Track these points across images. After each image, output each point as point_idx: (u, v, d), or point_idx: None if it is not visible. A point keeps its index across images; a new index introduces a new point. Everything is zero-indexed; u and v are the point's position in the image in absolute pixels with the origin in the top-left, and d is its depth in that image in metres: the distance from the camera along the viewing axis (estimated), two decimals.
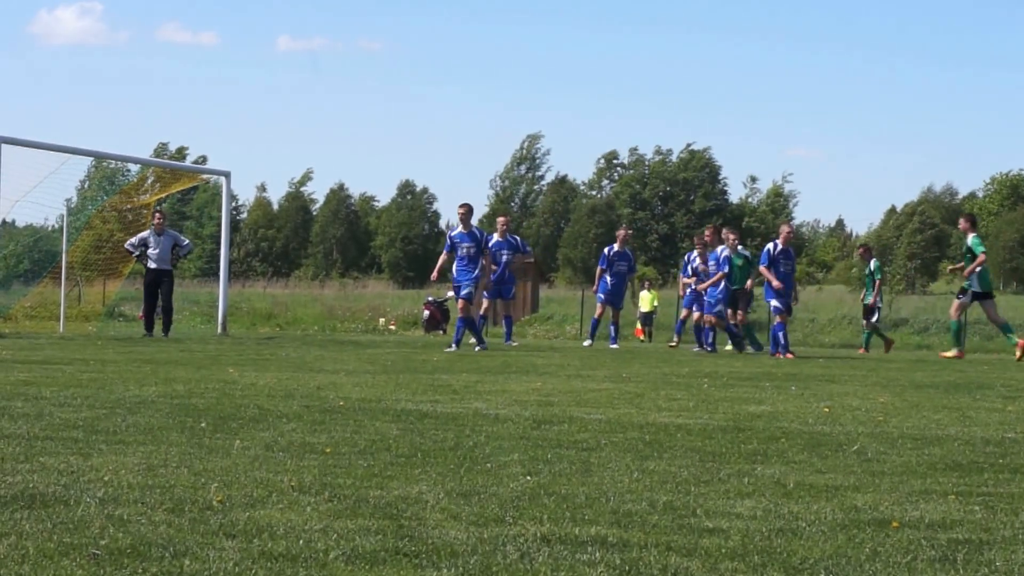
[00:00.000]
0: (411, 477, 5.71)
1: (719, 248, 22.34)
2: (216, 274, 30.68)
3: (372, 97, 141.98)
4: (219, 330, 23.79)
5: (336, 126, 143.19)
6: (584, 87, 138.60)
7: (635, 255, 26.35)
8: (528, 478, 5.76)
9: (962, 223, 22.57)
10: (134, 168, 35.55)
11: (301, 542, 4.24)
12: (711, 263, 22.33)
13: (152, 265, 22.97)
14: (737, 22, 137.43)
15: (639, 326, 37.66)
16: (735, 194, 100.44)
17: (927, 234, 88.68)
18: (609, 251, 23.79)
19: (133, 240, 23.10)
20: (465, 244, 19.92)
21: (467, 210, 20.13)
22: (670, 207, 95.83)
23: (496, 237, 22.77)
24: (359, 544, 4.23)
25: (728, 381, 13.20)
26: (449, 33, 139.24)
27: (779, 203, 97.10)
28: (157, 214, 24.00)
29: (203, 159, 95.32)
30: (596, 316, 24.64)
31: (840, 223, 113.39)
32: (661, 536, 4.50)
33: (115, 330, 28.01)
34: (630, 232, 25.82)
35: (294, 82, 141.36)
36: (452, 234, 20.23)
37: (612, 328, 24.47)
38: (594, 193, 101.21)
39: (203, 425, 7.57)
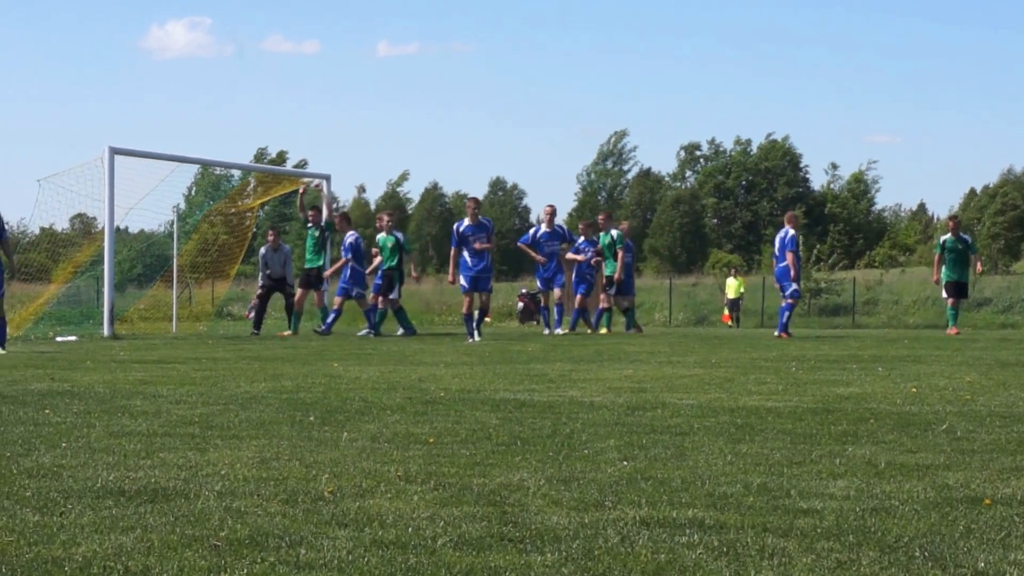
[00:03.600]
0: (512, 464, 5.84)
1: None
2: None
3: (465, 98, 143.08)
4: (322, 327, 24.15)
5: (431, 127, 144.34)
6: (664, 80, 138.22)
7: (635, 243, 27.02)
8: (625, 463, 5.87)
9: None
10: (237, 174, 36.12)
11: (410, 530, 4.35)
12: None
13: (268, 274, 23.89)
14: (813, 11, 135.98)
15: (726, 312, 37.61)
16: (816, 181, 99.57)
17: (1009, 215, 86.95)
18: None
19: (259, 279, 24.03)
20: (476, 236, 20.42)
21: (476, 203, 21.00)
22: (753, 195, 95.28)
23: (544, 228, 22.89)
24: (465, 531, 4.34)
25: (815, 364, 13.20)
26: (535, 34, 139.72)
27: (860, 189, 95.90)
28: (271, 232, 24.69)
29: (304, 163, 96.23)
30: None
31: (922, 207, 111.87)
32: (757, 517, 4.57)
33: (224, 329, 28.52)
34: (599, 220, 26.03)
35: (392, 86, 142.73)
36: (461, 227, 20.54)
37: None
38: (678, 184, 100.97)
39: (311, 419, 7.76)
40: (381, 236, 23.53)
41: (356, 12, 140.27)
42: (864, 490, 5.15)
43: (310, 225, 24.29)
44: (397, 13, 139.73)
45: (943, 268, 23.53)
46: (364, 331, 23.49)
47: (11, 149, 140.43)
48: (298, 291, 24.61)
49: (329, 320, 23.52)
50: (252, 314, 25.20)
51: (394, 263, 23.18)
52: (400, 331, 23.25)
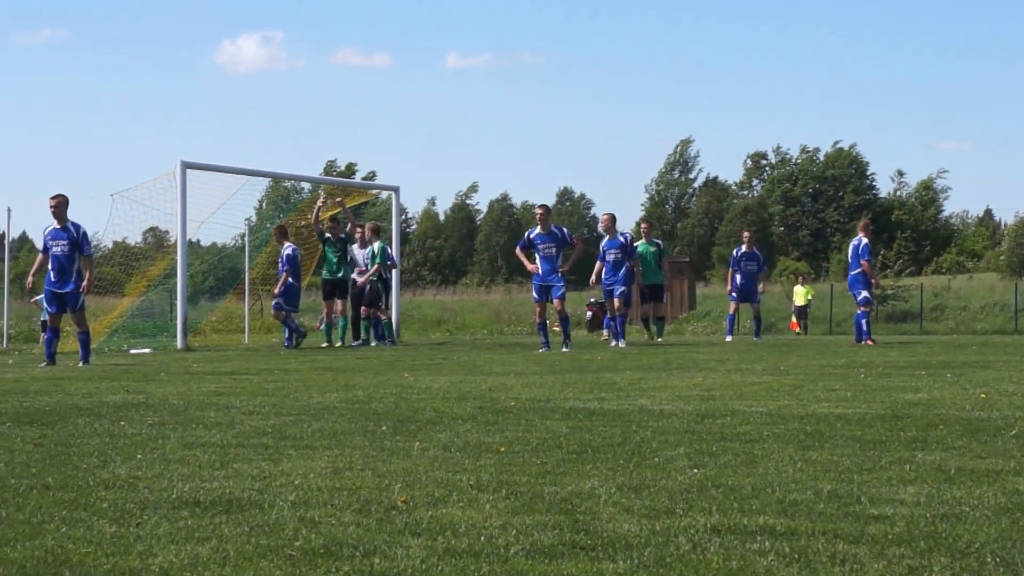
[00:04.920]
0: (583, 473, 5.86)
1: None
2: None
3: (533, 109, 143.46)
4: (394, 337, 24.34)
5: (500, 138, 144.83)
6: (730, 89, 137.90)
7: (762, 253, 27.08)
8: (695, 471, 5.88)
9: None
10: (307, 186, 36.44)
11: (483, 538, 4.38)
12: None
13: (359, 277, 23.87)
14: (879, 20, 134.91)
15: (794, 319, 37.51)
16: (883, 189, 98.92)
17: None
18: (737, 252, 25.42)
19: (355, 275, 23.99)
20: (545, 244, 20.09)
21: (545, 210, 20.51)
22: (820, 203, 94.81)
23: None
24: (537, 539, 4.36)
25: (884, 371, 13.10)
26: (603, 44, 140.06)
27: (928, 196, 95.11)
28: (360, 228, 24.76)
29: (372, 175, 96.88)
30: (731, 313, 26.33)
31: (988, 212, 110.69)
32: (828, 524, 4.57)
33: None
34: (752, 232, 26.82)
35: (461, 98, 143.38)
36: (532, 235, 20.38)
37: (755, 323, 25.98)
38: (744, 193, 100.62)
39: (383, 428, 7.81)
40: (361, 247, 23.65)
41: (426, 25, 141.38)
42: (934, 496, 5.13)
43: (328, 236, 24.17)
44: (467, 25, 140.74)
45: None
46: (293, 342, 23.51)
47: (86, 164, 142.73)
48: (324, 304, 24.61)
49: (289, 336, 23.55)
50: (322, 325, 25.35)
51: (376, 275, 23.29)
52: (374, 342, 23.38)
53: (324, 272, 24.31)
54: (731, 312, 26.18)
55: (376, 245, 23.51)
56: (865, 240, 22.26)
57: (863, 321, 22.18)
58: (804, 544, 4.25)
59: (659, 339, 24.57)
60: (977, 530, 4.46)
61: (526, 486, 5.48)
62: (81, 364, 16.86)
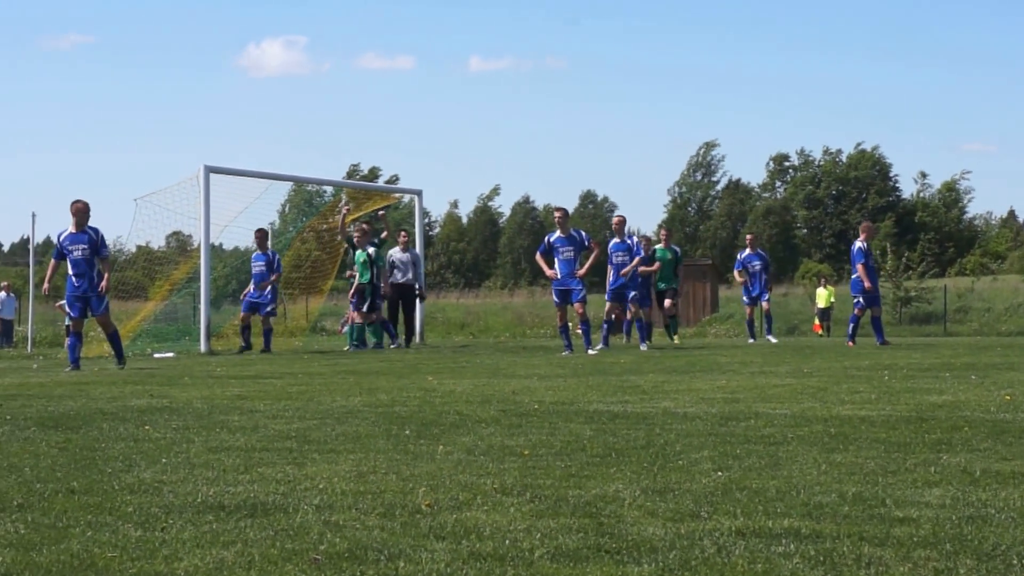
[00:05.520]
0: (607, 476, 5.86)
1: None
2: None
3: (556, 112, 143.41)
4: (417, 340, 24.36)
5: (522, 141, 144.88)
6: (752, 91, 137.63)
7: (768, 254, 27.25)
8: (719, 474, 5.87)
9: None
10: (329, 190, 36.50)
11: (507, 542, 4.38)
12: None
13: (397, 280, 23.94)
14: (901, 23, 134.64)
15: (817, 321, 37.51)
16: (907, 191, 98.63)
17: None
18: (741, 255, 25.78)
19: (389, 274, 24.12)
20: (564, 247, 20.18)
21: (564, 214, 20.69)
22: (843, 205, 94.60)
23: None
24: (562, 542, 4.36)
25: (908, 373, 13.07)
26: (625, 48, 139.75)
27: (951, 197, 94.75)
28: (402, 233, 24.84)
29: (395, 178, 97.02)
30: (748, 316, 26.32)
31: (1012, 214, 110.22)
32: (853, 527, 4.56)
33: (319, 344, 28.78)
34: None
35: (484, 101, 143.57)
36: (551, 239, 20.40)
37: (765, 321, 26.15)
38: (767, 195, 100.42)
39: (407, 432, 7.82)
40: (356, 252, 23.73)
41: (449, 28, 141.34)
42: (960, 498, 5.11)
43: (355, 241, 24.22)
44: (489, 28, 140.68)
45: None
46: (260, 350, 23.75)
47: (110, 169, 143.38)
48: (351, 307, 24.67)
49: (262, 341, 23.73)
50: (344, 329, 25.39)
51: (366, 279, 23.37)
52: (347, 347, 23.49)
53: (357, 276, 24.42)
54: (748, 315, 26.40)
55: (371, 250, 23.62)
56: (858, 244, 22.51)
57: (852, 324, 22.79)
58: (829, 547, 4.24)
59: (675, 340, 24.91)
60: (1003, 532, 4.44)
61: (550, 489, 5.48)
62: (118, 366, 16.98)
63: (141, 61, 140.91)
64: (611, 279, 22.46)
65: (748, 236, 27.24)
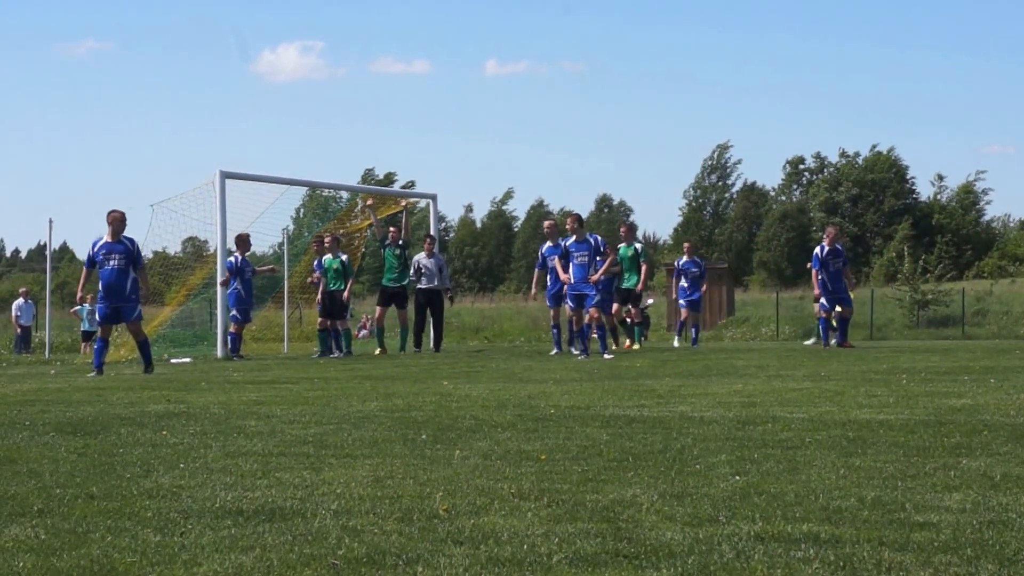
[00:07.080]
0: (624, 480, 5.86)
1: None
2: None
3: (572, 115, 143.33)
4: (431, 346, 24.35)
5: (538, 145, 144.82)
6: (767, 94, 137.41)
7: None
8: (737, 478, 5.86)
9: None
10: (345, 195, 36.52)
11: (525, 547, 4.39)
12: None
13: (424, 285, 23.98)
14: (919, 24, 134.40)
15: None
16: (924, 193, 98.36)
17: None
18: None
19: (411, 274, 24.18)
20: (580, 252, 20.16)
21: (578, 221, 20.62)
22: (859, 207, 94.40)
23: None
24: (580, 547, 4.36)
25: (926, 376, 13.03)
26: (642, 53, 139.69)
27: (968, 200, 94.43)
28: (428, 239, 24.92)
29: (411, 183, 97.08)
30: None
31: None
32: (872, 531, 4.55)
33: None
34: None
35: (500, 105, 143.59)
36: (567, 243, 20.35)
37: (692, 329, 26.01)
38: (783, 199, 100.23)
39: (424, 437, 7.82)
40: (327, 258, 23.79)
41: (465, 32, 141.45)
42: (980, 503, 5.10)
43: (388, 243, 24.33)
44: (506, 32, 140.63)
45: None
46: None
47: (126, 174, 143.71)
48: (377, 309, 24.81)
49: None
50: (361, 334, 25.45)
51: (341, 286, 23.54)
52: (336, 353, 23.48)
53: (384, 279, 24.44)
54: (683, 317, 26.84)
55: (344, 257, 23.79)
56: (817, 249, 23.00)
57: (821, 326, 23.71)
58: (849, 552, 4.23)
59: (636, 346, 24.38)
60: None
61: (568, 494, 5.48)
62: (145, 372, 17.07)
63: (157, 67, 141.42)
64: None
65: (686, 244, 27.97)
